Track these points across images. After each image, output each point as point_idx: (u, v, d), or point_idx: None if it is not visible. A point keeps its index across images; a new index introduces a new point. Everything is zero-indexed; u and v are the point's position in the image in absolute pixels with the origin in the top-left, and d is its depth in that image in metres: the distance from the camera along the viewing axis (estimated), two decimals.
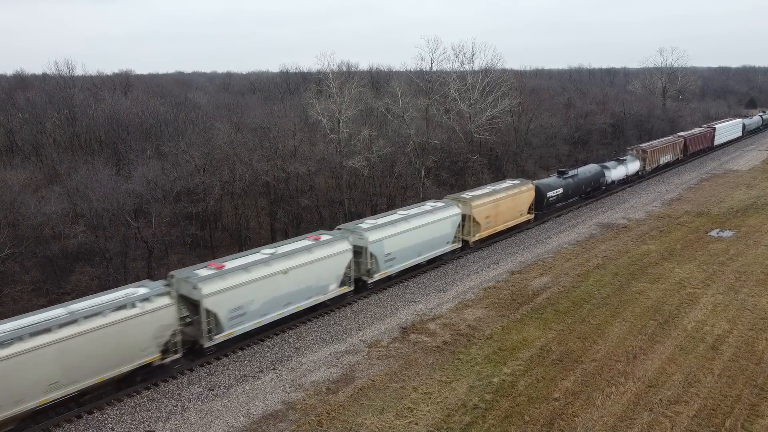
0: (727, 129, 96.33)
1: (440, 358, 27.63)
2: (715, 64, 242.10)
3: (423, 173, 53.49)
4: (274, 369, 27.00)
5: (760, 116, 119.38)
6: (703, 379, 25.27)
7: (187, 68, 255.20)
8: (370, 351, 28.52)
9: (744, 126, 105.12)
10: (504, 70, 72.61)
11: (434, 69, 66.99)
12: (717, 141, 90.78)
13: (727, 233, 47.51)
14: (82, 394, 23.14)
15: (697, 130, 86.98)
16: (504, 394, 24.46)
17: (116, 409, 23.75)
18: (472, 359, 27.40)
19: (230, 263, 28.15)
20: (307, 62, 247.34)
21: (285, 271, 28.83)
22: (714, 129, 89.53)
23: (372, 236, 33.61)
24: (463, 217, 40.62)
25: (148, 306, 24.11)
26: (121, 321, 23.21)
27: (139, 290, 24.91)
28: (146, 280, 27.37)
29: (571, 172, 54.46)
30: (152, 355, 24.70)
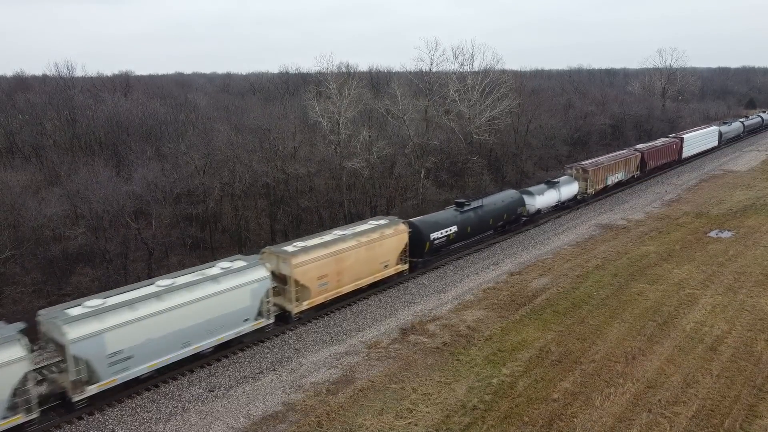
0: (699, 139, 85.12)
1: (440, 359, 27.70)
2: (714, 65, 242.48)
3: (423, 174, 53.60)
4: (274, 370, 27.08)
5: (742, 122, 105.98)
6: (701, 380, 25.34)
7: (187, 69, 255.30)
8: (370, 352, 28.60)
9: (720, 134, 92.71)
10: (503, 71, 72.76)
11: (434, 70, 67.18)
12: (686, 153, 79.84)
13: (726, 234, 47.60)
14: None
15: (659, 141, 76.18)
16: (503, 395, 24.54)
17: (117, 411, 23.83)
18: (471, 360, 27.48)
19: None
20: (307, 63, 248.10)
21: None
22: (681, 140, 78.42)
23: (78, 329, 22.22)
24: (283, 278, 30.41)
25: None
26: None
27: None
28: None
29: (474, 203, 43.18)
30: None
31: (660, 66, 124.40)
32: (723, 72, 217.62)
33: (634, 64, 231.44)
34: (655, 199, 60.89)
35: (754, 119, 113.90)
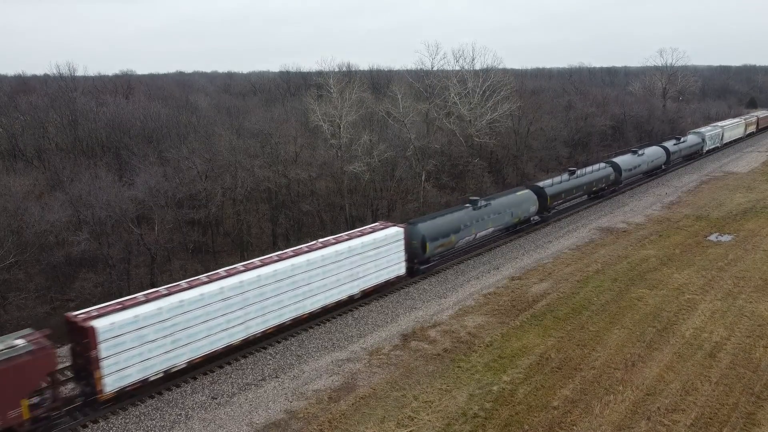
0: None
1: (441, 365, 27.91)
2: (715, 63, 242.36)
3: (423, 177, 53.78)
4: (276, 377, 27.30)
5: (537, 189, 49.29)
6: (700, 387, 25.54)
7: (188, 68, 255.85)
8: (371, 358, 28.81)
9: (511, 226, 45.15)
10: (504, 70, 72.83)
11: (434, 69, 67.41)
12: None
13: (726, 237, 47.72)
14: None
15: None
16: (504, 402, 24.75)
17: (121, 418, 24.07)
18: (472, 367, 27.68)
19: None
20: (308, 63, 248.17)
21: None
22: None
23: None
24: None
25: None
26: None
27: None
28: None
29: None
30: None
31: (660, 66, 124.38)
32: (724, 71, 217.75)
33: (635, 62, 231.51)
34: (655, 202, 61.02)
35: (598, 171, 57.09)
